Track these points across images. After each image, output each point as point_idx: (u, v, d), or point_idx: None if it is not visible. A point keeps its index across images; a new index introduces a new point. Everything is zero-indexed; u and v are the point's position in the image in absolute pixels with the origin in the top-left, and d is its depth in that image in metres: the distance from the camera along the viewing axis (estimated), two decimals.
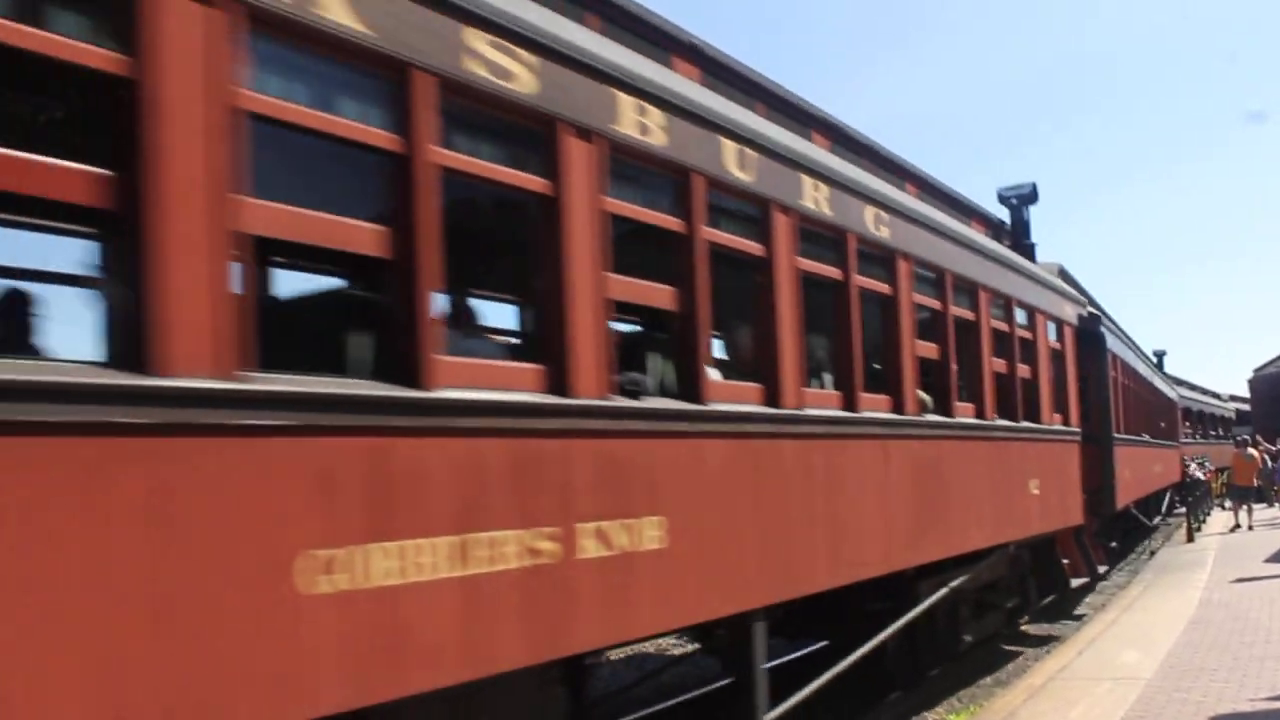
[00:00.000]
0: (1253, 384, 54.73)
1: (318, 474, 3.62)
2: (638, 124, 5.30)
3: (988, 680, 10.73)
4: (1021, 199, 13.77)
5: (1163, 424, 24.94)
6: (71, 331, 5.03)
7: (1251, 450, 27.05)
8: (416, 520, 3.94)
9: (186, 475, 3.22)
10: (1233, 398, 54.33)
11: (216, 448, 3.33)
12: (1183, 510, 25.51)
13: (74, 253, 5.76)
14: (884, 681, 9.37)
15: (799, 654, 10.56)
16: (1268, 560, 17.57)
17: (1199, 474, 27.38)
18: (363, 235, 4.02)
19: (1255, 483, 26.63)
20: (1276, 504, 28.89)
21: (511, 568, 4.34)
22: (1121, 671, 9.34)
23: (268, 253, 5.80)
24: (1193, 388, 41.64)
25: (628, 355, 5.38)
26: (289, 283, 6.41)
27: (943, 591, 8.98)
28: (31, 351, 4.60)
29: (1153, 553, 21.45)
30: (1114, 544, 17.49)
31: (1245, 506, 25.01)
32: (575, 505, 4.68)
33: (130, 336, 3.20)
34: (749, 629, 6.06)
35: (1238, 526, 24.43)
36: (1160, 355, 35.82)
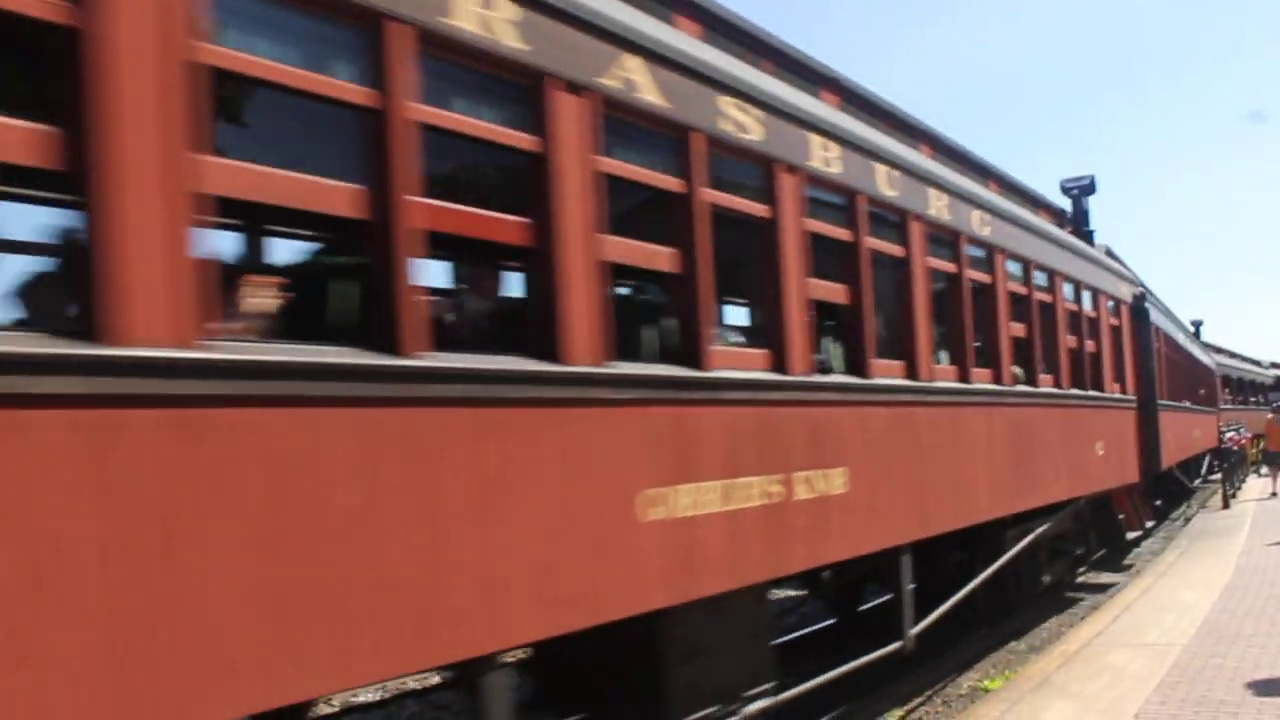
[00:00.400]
0: None
1: (647, 435, 5.01)
2: None
3: (1022, 646, 10.87)
4: (1082, 190, 15.21)
5: (1201, 391, 26.30)
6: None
7: None
8: (701, 468, 5.35)
9: (584, 434, 4.62)
10: (1273, 365, 54.54)
11: (598, 415, 4.72)
12: (1219, 475, 26.08)
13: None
14: (973, 620, 10.64)
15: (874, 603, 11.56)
16: None
17: (1230, 440, 27.19)
18: (661, 259, 5.37)
19: None
20: None
21: (755, 505, 5.75)
22: (1157, 638, 9.45)
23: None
24: (1232, 355, 42.63)
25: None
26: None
27: (1032, 535, 10.46)
28: None
29: (1188, 519, 21.66)
30: (1158, 502, 18.87)
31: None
32: (792, 458, 6.10)
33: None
34: (898, 559, 7.47)
35: (1275, 494, 24.74)
36: (1198, 324, 36.82)
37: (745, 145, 5.94)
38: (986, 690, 8.95)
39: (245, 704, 3.29)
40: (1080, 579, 14.21)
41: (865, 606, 11.42)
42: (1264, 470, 27.61)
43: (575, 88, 4.70)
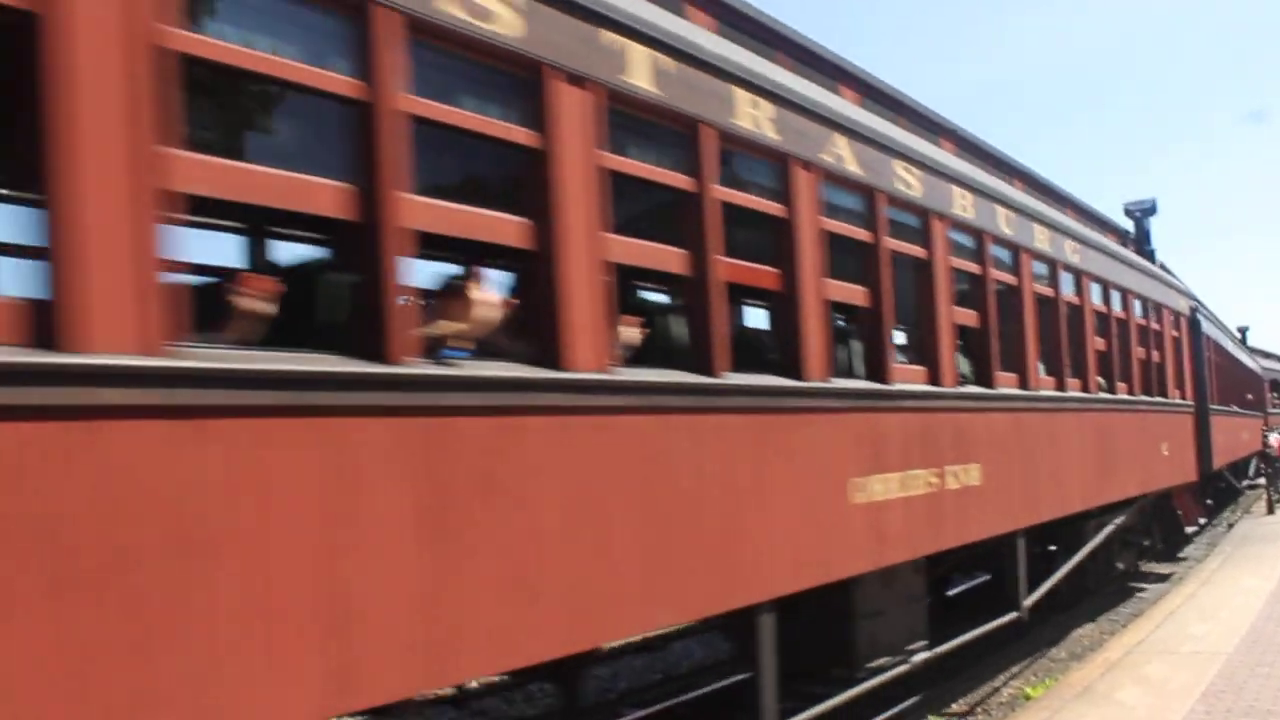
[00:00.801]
0: None
1: (853, 435, 6.46)
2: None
3: (1062, 654, 11.00)
4: (1144, 212, 16.73)
5: (1249, 396, 27.71)
6: None
7: None
8: (887, 462, 6.79)
9: (816, 435, 6.12)
10: None
11: (825, 420, 6.21)
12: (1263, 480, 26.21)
13: None
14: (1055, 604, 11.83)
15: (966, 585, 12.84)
16: None
17: (1272, 444, 26.35)
18: (858, 296, 6.82)
19: None
20: None
21: (921, 493, 7.19)
22: (1201, 646, 9.40)
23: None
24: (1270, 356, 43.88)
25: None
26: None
27: (1111, 526, 11.85)
28: None
29: (1231, 525, 21.63)
30: (1209, 501, 20.16)
31: None
32: (944, 455, 7.55)
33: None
34: (1015, 541, 9.00)
35: None
36: (1244, 330, 38.30)
37: (911, 200, 7.43)
38: (1028, 698, 9.00)
39: (636, 626, 4.76)
40: (1143, 568, 15.47)
41: (955, 590, 12.57)
42: None
43: (807, 165, 6.21)
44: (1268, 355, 40.41)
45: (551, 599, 4.24)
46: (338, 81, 3.71)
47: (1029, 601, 9.28)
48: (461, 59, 4.18)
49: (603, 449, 4.57)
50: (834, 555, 6.18)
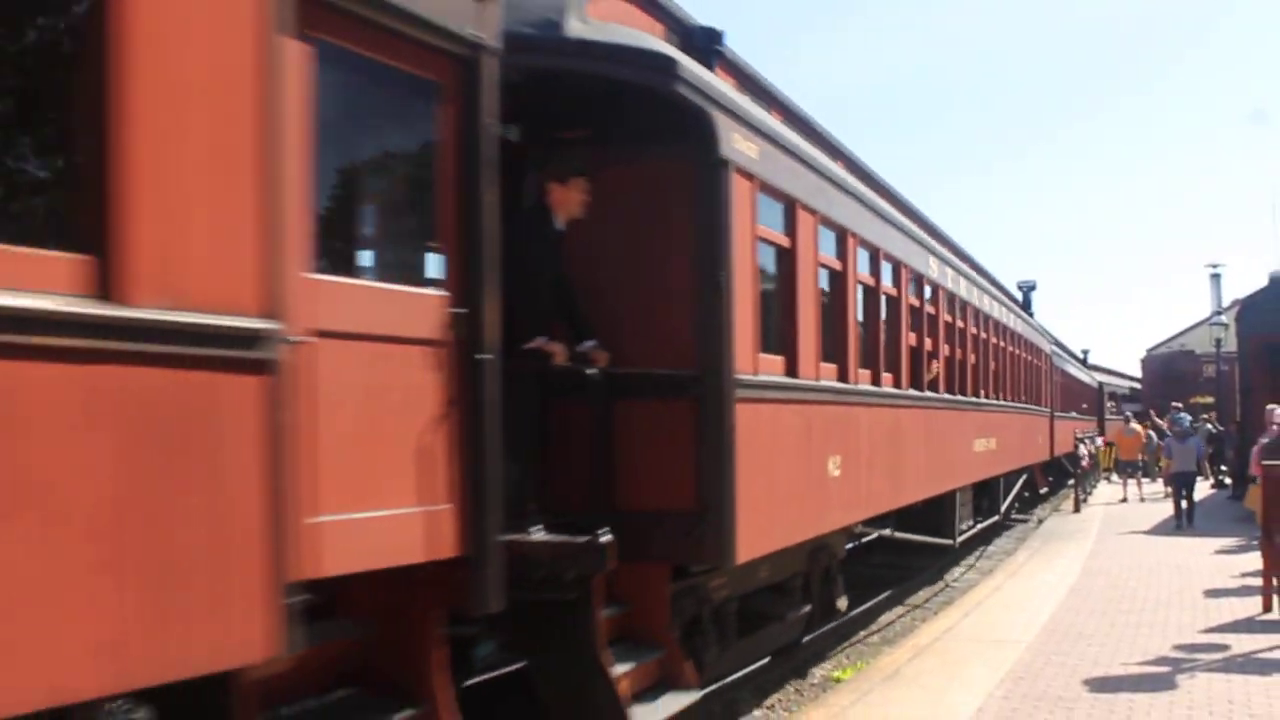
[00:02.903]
0: (1144, 364, 58.87)
1: (963, 420, 12.27)
2: None
3: (875, 639, 11.51)
4: (1028, 289, 29.37)
5: (1084, 405, 37.41)
6: None
7: (1135, 425, 29.93)
8: (979, 433, 12.80)
9: (942, 418, 11.08)
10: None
11: (950, 413, 11.98)
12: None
13: None
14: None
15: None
16: (1148, 532, 19.51)
17: (1084, 450, 28.83)
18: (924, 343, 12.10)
19: (1139, 457, 29.39)
20: (1160, 478, 29.49)
21: (982, 451, 14.49)
22: (1004, 634, 10.01)
23: None
24: (1110, 373, 56.00)
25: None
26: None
27: (1018, 485, 21.07)
28: None
29: (1040, 521, 23.25)
30: (1050, 479, 29.02)
31: (1135, 479, 28.02)
32: (984, 430, 13.00)
33: None
34: (954, 495, 14.47)
35: (1125, 499, 26.88)
36: (1086, 352, 50.01)
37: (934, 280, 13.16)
38: (838, 680, 9.30)
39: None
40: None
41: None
42: (1114, 477, 30.09)
43: None
44: (1104, 370, 52.79)
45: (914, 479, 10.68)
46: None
47: (961, 538, 15.10)
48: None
49: (916, 420, 10.87)
50: (951, 480, 12.92)
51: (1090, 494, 29.30)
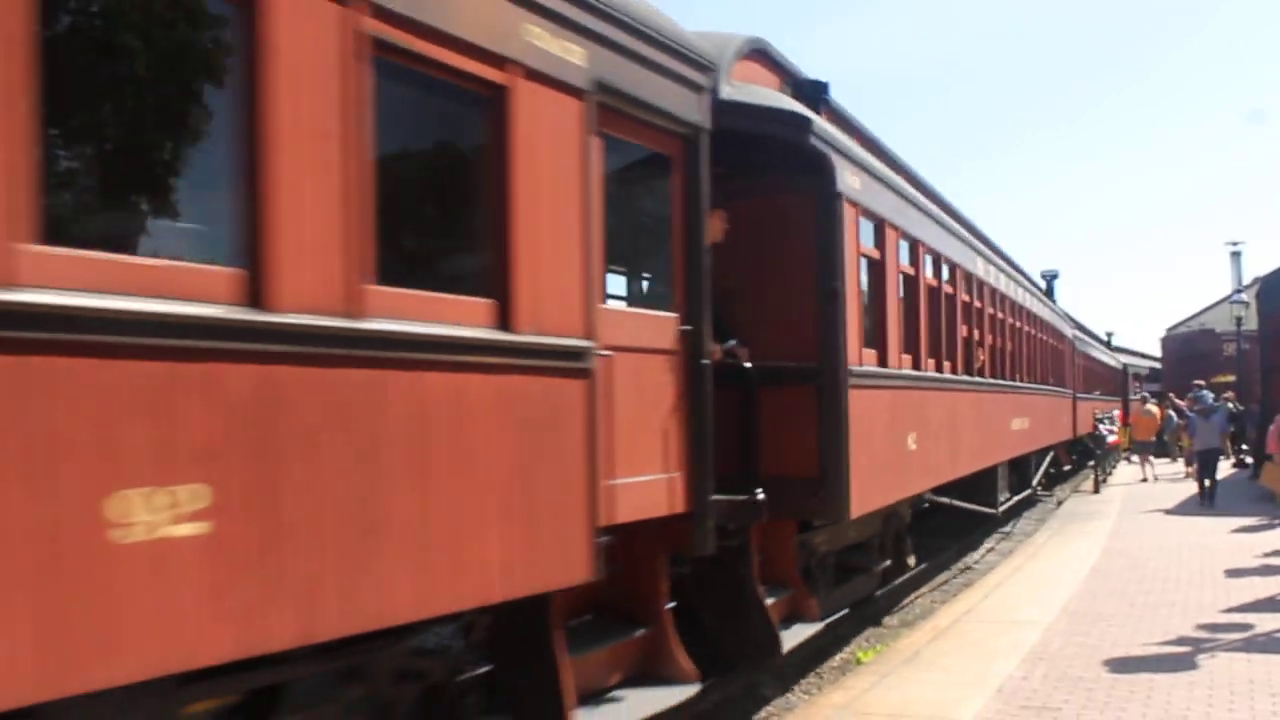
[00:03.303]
0: (1164, 344, 58.72)
1: (1001, 401, 13.02)
2: None
3: (894, 621, 11.58)
4: (1051, 277, 30.28)
5: (1108, 386, 39.02)
6: None
7: (1151, 406, 30.29)
8: (1014, 415, 13.45)
9: (979, 400, 12.37)
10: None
11: (989, 395, 12.63)
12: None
13: None
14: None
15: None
16: (1168, 512, 19.49)
17: (1104, 429, 28.48)
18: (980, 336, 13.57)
19: (1153, 438, 29.45)
20: (1180, 458, 30.69)
21: (1017, 430, 13.84)
22: (1024, 615, 10.05)
23: None
24: (1134, 354, 56.54)
25: None
26: None
27: (1046, 461, 22.81)
28: None
29: (1060, 502, 23.41)
30: (1075, 457, 30.24)
31: (1147, 460, 27.93)
32: (1017, 412, 14.55)
33: None
34: (997, 470, 16.78)
35: (1145, 479, 26.89)
36: (1110, 335, 52.49)
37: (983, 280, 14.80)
38: (859, 662, 9.37)
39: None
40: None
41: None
42: (1134, 458, 30.07)
43: None
44: (1128, 352, 54.73)
45: (968, 453, 12.53)
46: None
47: (1003, 506, 16.82)
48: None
49: (969, 402, 12.54)
50: (998, 455, 14.34)
51: (1110, 474, 29.37)
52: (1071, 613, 10.14)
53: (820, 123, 8.03)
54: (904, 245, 10.25)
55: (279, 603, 3.47)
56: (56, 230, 3.00)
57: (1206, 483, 20.64)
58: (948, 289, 12.24)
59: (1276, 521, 15.27)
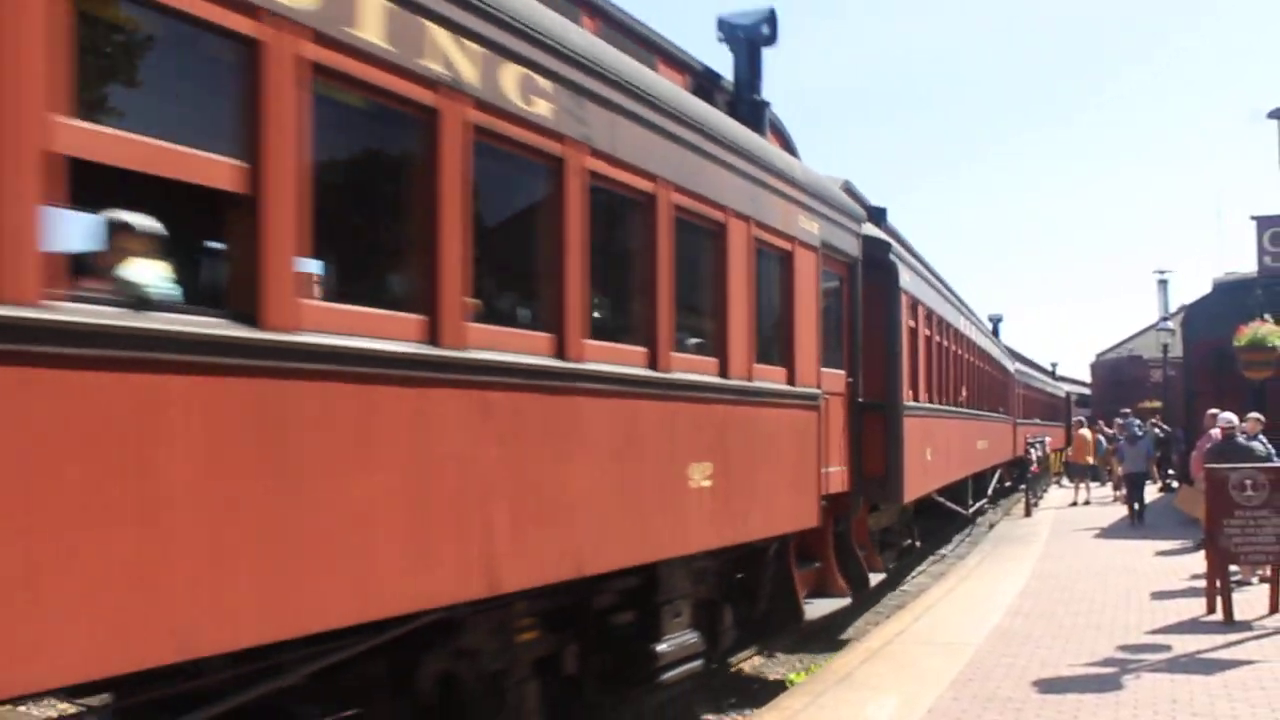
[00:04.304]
0: (1094, 369, 60.15)
1: (966, 428, 17.61)
2: None
3: (824, 642, 12.15)
4: (997, 320, 36.23)
5: (1052, 411, 45.20)
6: None
7: (1085, 431, 32.58)
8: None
9: (963, 426, 17.17)
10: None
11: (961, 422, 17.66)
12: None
13: None
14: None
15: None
16: (1097, 536, 20.55)
17: (1034, 454, 30.17)
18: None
19: (1089, 461, 31.32)
20: (1109, 482, 32.18)
21: (942, 456, 18.76)
22: (955, 637, 10.46)
23: None
24: (1077, 382, 62.97)
25: None
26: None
27: (995, 477, 26.54)
28: None
29: (992, 525, 25.03)
30: (1015, 474, 32.26)
31: (1084, 483, 29.93)
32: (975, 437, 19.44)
33: None
34: (967, 478, 21.64)
35: (1075, 503, 28.51)
36: (1055, 365, 59.42)
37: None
38: (791, 683, 9.75)
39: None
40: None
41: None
42: (1065, 481, 30.86)
43: None
44: (1071, 380, 60.76)
45: (956, 465, 15.20)
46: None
47: (973, 508, 21.67)
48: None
49: (955, 427, 14.00)
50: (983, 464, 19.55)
51: (1041, 498, 30.58)
52: (1002, 634, 10.72)
53: (893, 244, 13.20)
54: (922, 313, 14.98)
55: (744, 518, 8.12)
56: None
57: (1135, 505, 22.46)
58: (940, 340, 16.95)
59: (1199, 544, 15.68)
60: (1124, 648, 9.86)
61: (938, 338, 16.39)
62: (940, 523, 20.55)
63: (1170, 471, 29.98)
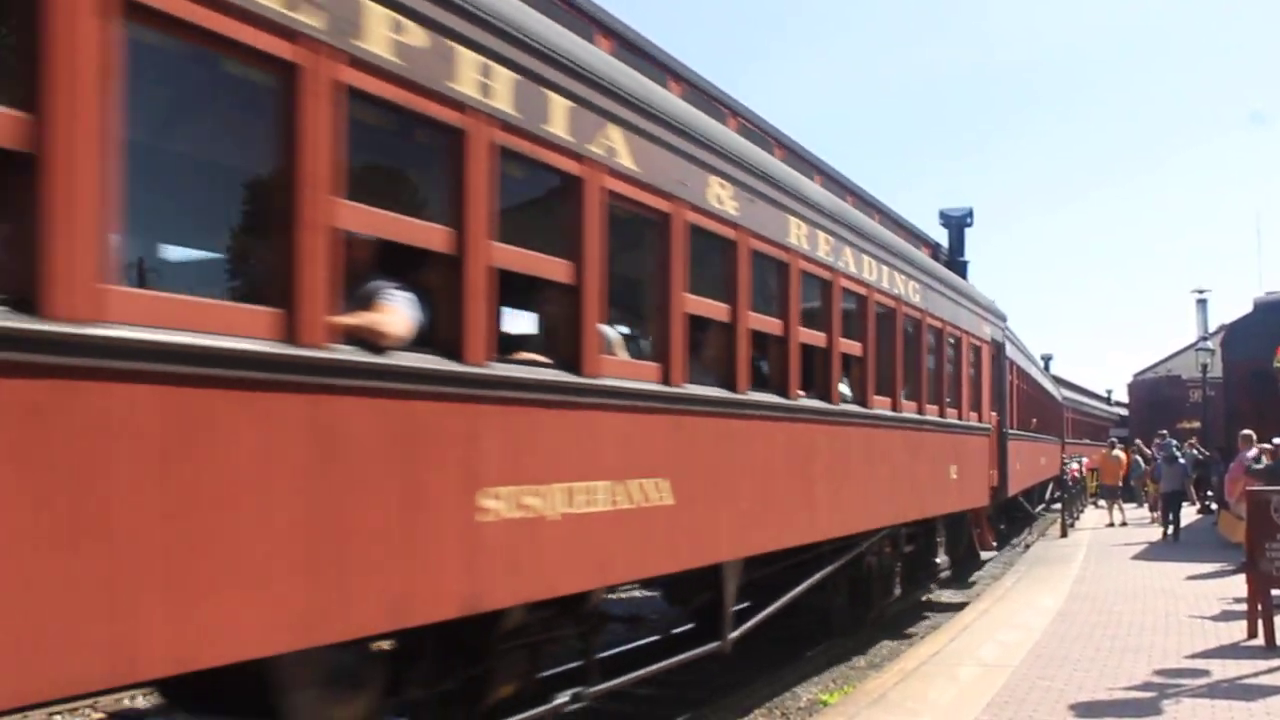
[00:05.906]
0: (1131, 389, 59.73)
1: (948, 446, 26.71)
2: None
3: (861, 663, 12.52)
4: (1048, 359, 44.23)
5: (1097, 432, 49.86)
6: None
7: (1118, 452, 33.95)
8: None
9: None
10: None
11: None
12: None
13: None
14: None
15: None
16: (1134, 557, 21.23)
17: (1071, 466, 32.22)
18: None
19: (1119, 482, 32.23)
20: (1145, 503, 33.26)
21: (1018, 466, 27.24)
22: (991, 659, 10.71)
23: None
24: (1122, 404, 66.20)
25: None
26: None
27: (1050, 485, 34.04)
28: None
29: (1027, 546, 25.82)
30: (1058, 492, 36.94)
31: (1116, 504, 31.14)
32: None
33: None
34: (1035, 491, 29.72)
35: (1111, 524, 29.72)
36: (1110, 391, 66.47)
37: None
38: (825, 704, 10.03)
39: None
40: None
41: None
42: (1100, 502, 30.75)
43: None
44: (1119, 404, 64.75)
45: (1027, 474, 21.56)
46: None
47: (1037, 509, 30.26)
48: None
49: (1025, 446, 20.13)
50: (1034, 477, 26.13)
51: (1077, 519, 31.25)
52: (1037, 656, 10.98)
53: (1006, 325, 20.51)
54: (1012, 363, 22.49)
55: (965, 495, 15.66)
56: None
57: (1170, 523, 23.88)
58: (1020, 384, 24.18)
59: (1239, 567, 15.48)
60: (1162, 672, 10.03)
61: (1019, 383, 24.38)
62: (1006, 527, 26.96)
63: (1209, 493, 31.21)
